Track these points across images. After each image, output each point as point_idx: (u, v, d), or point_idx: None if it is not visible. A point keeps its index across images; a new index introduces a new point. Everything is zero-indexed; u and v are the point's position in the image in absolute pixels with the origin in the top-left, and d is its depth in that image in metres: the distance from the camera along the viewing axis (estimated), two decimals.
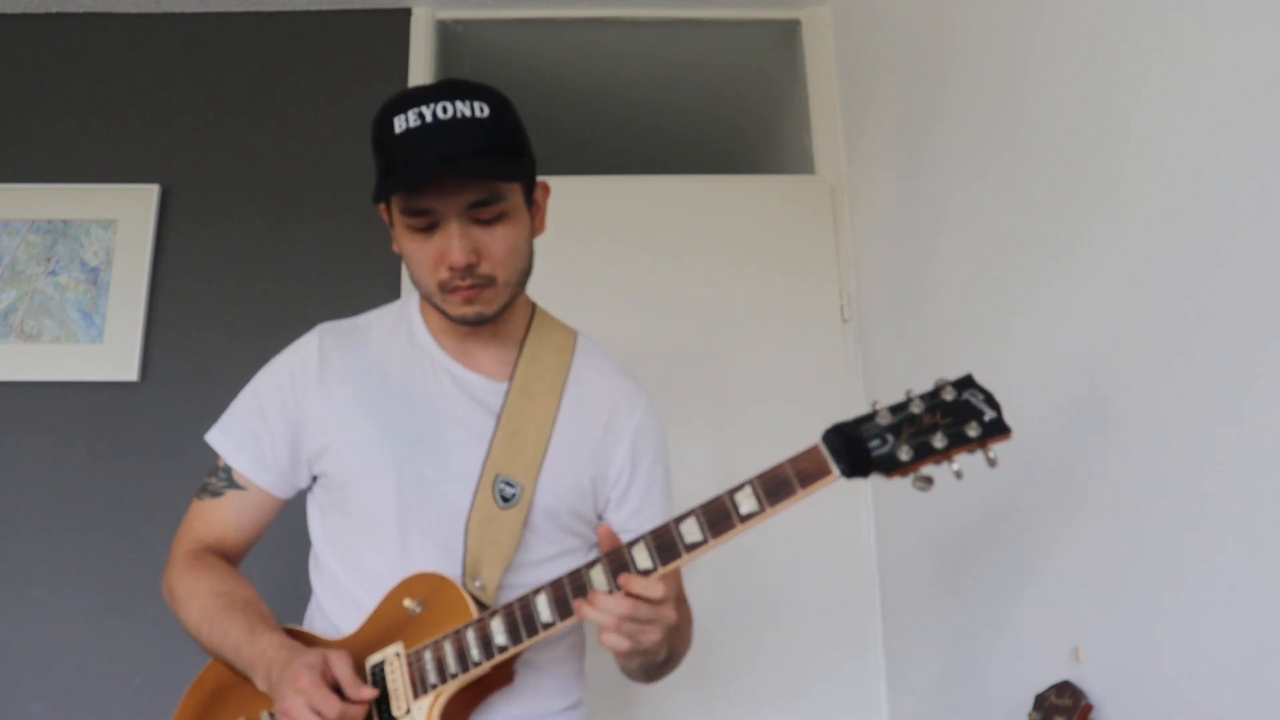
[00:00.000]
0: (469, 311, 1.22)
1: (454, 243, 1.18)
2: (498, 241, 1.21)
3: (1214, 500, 1.01)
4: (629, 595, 1.06)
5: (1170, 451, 1.08)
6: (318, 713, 1.06)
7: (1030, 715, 1.24)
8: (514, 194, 1.22)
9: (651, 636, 1.07)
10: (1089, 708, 1.19)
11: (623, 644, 1.06)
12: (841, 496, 2.16)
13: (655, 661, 1.18)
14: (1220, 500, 1.00)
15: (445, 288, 1.21)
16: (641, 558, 1.07)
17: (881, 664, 2.09)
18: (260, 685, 1.15)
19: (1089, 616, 1.24)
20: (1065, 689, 1.22)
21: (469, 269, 1.19)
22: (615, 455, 1.33)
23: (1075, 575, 1.27)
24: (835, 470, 1.02)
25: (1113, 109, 1.20)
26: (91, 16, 2.47)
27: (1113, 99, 1.20)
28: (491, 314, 1.24)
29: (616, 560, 1.08)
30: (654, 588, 1.05)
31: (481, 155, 1.17)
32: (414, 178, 1.15)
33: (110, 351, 2.20)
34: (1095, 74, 1.24)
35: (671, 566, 1.06)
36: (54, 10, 2.46)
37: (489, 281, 1.21)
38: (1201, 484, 1.03)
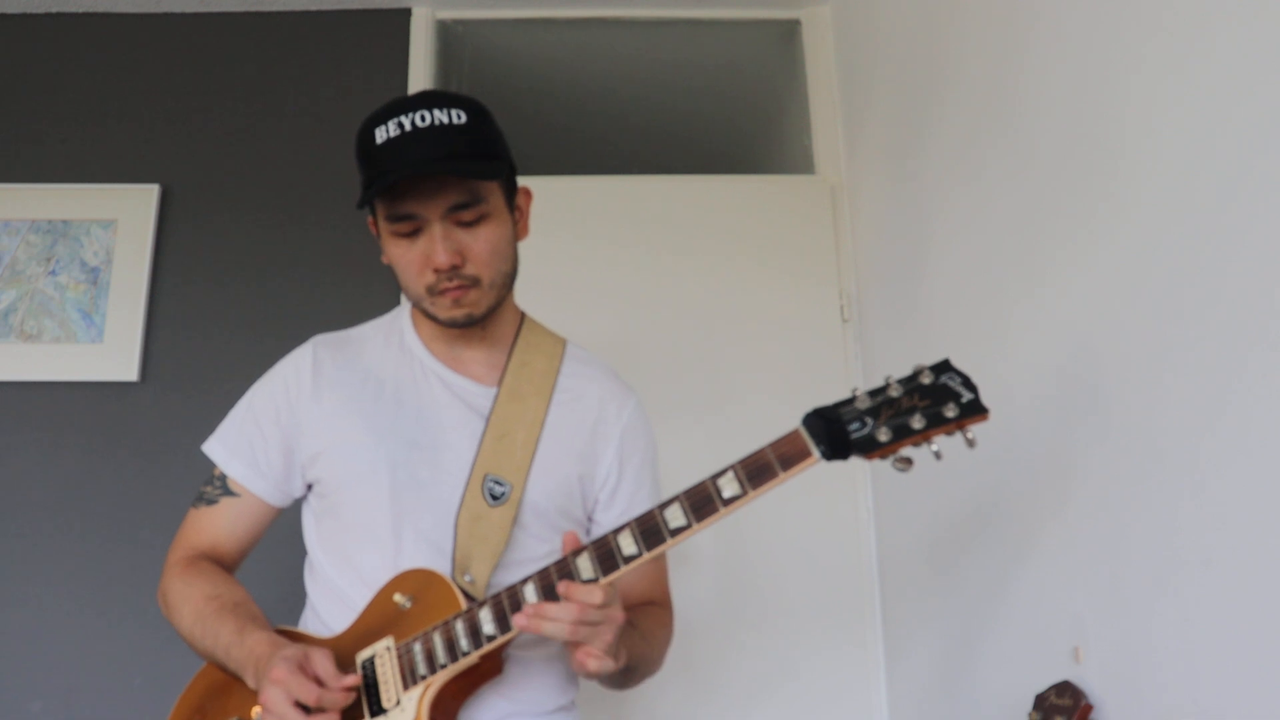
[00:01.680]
0: (458, 313, 1.25)
1: (438, 245, 1.21)
2: (480, 243, 1.24)
3: (1213, 498, 1.01)
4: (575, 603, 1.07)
5: (1169, 450, 1.08)
6: (295, 701, 1.07)
7: (1030, 715, 1.24)
8: (494, 196, 1.25)
9: (604, 638, 1.08)
10: (1089, 708, 1.19)
11: (593, 665, 1.08)
12: (841, 494, 2.16)
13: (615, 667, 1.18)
14: (1220, 498, 1.00)
15: (433, 290, 1.24)
16: (627, 544, 1.08)
17: (881, 663, 2.09)
18: (250, 683, 1.15)
19: (1088, 616, 1.24)
20: (1065, 689, 1.22)
21: (454, 270, 1.22)
22: (603, 456, 1.35)
23: (1075, 575, 1.27)
24: (815, 453, 1.03)
25: (1108, 107, 1.20)
26: (91, 16, 2.47)
27: (1108, 97, 1.20)
28: (479, 315, 1.26)
29: (603, 547, 1.09)
30: (594, 594, 1.06)
31: (458, 159, 1.20)
32: (393, 180, 1.18)
33: (110, 351, 2.20)
34: (1090, 73, 1.24)
35: (657, 551, 1.07)
36: (54, 10, 2.46)
37: (474, 282, 1.24)
38: (1201, 482, 1.03)
